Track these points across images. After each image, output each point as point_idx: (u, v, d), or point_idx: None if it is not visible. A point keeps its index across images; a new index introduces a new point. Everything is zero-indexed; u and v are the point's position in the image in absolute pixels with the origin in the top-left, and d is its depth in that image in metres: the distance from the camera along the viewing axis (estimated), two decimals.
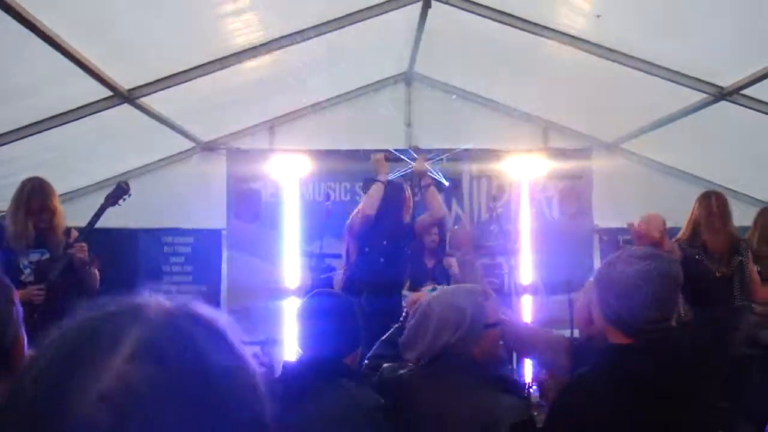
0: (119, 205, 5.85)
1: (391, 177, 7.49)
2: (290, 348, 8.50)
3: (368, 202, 7.14)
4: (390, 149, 8.00)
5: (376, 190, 7.17)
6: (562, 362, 3.43)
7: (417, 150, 8.05)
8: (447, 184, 9.46)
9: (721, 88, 7.42)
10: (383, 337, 4.00)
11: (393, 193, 7.21)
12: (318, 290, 3.96)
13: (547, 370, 3.58)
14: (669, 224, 8.96)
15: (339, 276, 7.80)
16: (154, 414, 0.91)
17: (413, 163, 7.54)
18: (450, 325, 3.27)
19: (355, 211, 7.35)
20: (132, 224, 9.14)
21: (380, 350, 3.90)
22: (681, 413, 2.59)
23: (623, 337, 2.72)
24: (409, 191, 7.40)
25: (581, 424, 2.62)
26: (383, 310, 6.35)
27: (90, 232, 5.73)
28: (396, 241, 7.20)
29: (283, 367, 3.45)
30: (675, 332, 2.79)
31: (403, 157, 7.81)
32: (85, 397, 0.90)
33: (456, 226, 8.06)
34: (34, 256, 5.68)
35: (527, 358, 3.57)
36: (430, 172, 7.55)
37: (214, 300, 9.61)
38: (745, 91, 7.31)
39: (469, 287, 3.57)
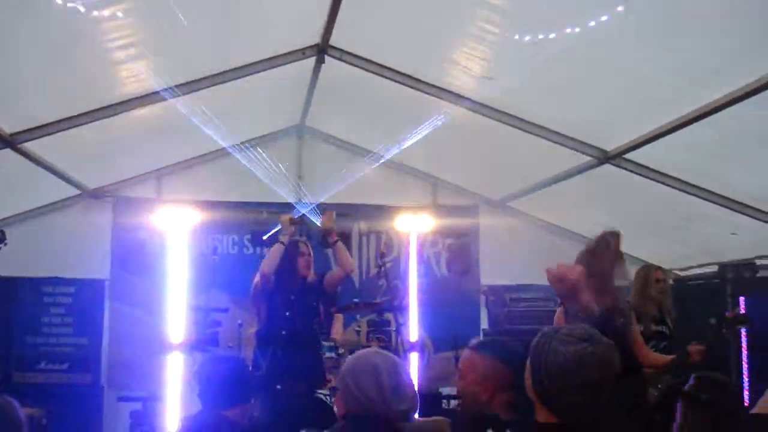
0: None
1: (295, 237, 7.68)
2: (173, 404, 8.29)
3: (266, 263, 7.31)
4: (297, 210, 8.04)
5: (275, 251, 7.34)
6: None
7: (325, 206, 8.12)
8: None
9: (605, 151, 7.64)
10: None
11: (294, 252, 7.32)
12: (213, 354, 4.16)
13: None
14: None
15: (250, 332, 7.82)
16: None
17: (320, 220, 7.62)
18: None
19: (258, 274, 7.38)
20: (10, 273, 8.81)
21: None
22: None
23: (549, 415, 2.65)
24: (309, 248, 7.45)
25: None
26: (295, 361, 6.80)
27: None
28: (303, 296, 7.30)
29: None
30: (604, 416, 2.67)
31: (308, 216, 7.92)
32: None
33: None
34: None
35: None
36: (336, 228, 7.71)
37: (94, 353, 9.32)
38: (628, 155, 7.54)
39: None
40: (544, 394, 2.65)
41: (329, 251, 9.57)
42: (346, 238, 9.72)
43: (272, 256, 7.31)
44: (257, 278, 7.35)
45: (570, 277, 3.21)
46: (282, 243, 7.39)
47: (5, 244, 5.68)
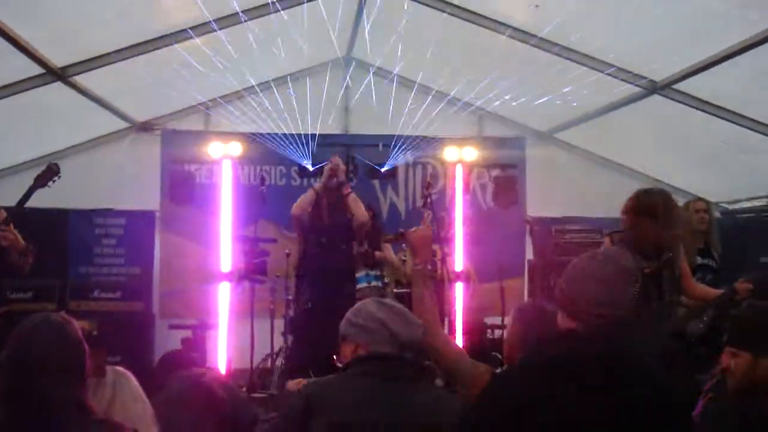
0: (49, 186, 5.71)
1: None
2: (222, 333, 8.45)
3: (295, 205, 7.68)
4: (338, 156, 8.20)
5: (306, 195, 7.72)
6: None
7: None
8: (382, 171, 9.51)
9: (655, 81, 7.55)
10: None
11: (324, 198, 7.70)
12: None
13: None
14: (600, 215, 9.11)
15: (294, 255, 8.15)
16: None
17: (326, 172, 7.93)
18: None
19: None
20: (63, 205, 8.96)
21: None
22: (623, 409, 2.55)
23: (571, 322, 2.70)
24: (325, 198, 7.76)
25: (510, 412, 2.60)
26: (328, 294, 7.11)
27: (18, 214, 5.60)
28: (332, 239, 7.61)
29: None
30: (627, 325, 2.69)
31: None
32: None
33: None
34: None
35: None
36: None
37: (146, 282, 9.51)
38: (677, 86, 7.45)
39: None
40: (565, 299, 2.74)
41: (376, 182, 9.69)
42: (392, 169, 9.78)
43: (302, 199, 7.61)
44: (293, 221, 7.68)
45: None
46: (314, 189, 7.68)
47: (59, 177, 5.76)
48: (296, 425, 3.02)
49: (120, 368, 3.59)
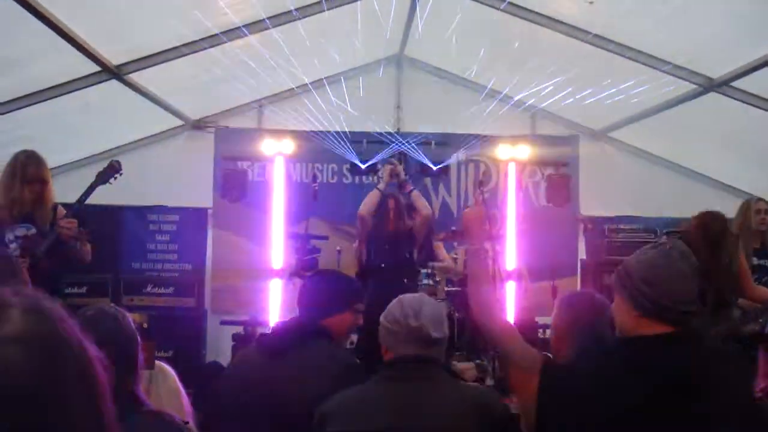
0: (110, 183, 5.78)
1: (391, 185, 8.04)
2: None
3: (363, 205, 7.71)
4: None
5: (372, 195, 7.73)
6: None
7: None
8: (434, 168, 9.49)
9: (711, 79, 7.43)
10: None
11: (384, 206, 7.72)
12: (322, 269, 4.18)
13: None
14: (655, 214, 9.00)
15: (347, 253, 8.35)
16: None
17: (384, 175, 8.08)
18: None
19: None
20: (117, 201, 9.06)
21: None
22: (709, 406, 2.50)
23: (660, 325, 2.66)
24: (399, 201, 7.69)
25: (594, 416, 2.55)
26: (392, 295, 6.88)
27: (79, 210, 5.67)
28: (395, 243, 7.64)
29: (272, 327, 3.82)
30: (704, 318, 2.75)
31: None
32: None
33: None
34: (20, 231, 5.61)
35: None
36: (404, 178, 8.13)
37: (198, 278, 9.59)
38: (735, 83, 7.33)
39: None
40: (645, 304, 2.67)
41: (428, 180, 9.67)
42: (444, 167, 9.75)
43: (369, 200, 7.63)
44: (357, 221, 7.75)
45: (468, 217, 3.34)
46: (379, 189, 7.68)
47: (120, 174, 5.82)
48: None
49: (159, 363, 3.61)
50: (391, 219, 7.66)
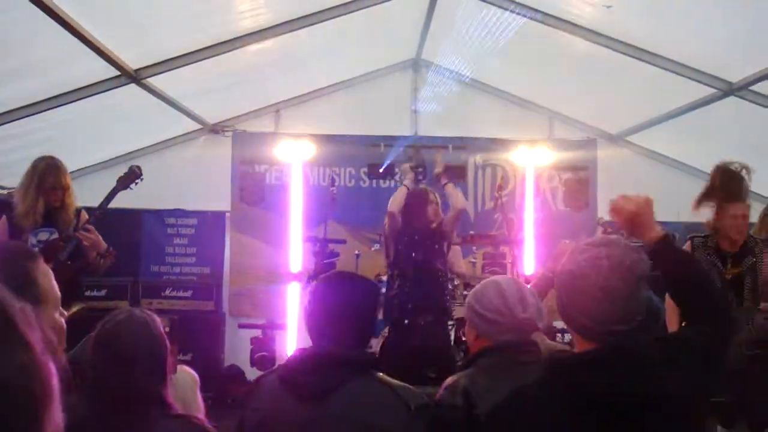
0: (131, 189, 5.81)
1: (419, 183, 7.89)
2: (291, 333, 8.51)
3: (392, 202, 7.47)
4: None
5: (400, 192, 7.52)
6: None
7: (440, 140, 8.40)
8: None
9: (730, 83, 7.40)
10: None
11: (423, 200, 7.48)
12: (336, 272, 3.63)
13: None
14: (673, 218, 8.96)
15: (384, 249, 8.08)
16: None
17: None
18: None
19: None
20: (135, 205, 9.10)
21: None
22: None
23: (585, 342, 2.32)
24: (436, 196, 7.57)
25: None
26: (421, 296, 6.95)
27: (101, 216, 5.70)
28: (427, 238, 7.43)
29: (289, 360, 2.96)
30: (638, 338, 2.26)
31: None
32: None
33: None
34: (43, 235, 5.65)
35: None
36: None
37: (216, 282, 9.62)
38: (754, 87, 7.29)
39: None
40: (562, 312, 2.39)
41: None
42: (461, 171, 9.75)
43: (398, 197, 7.49)
44: (386, 218, 7.55)
45: (628, 207, 2.81)
46: (406, 187, 7.55)
47: (141, 180, 5.85)
48: None
49: (181, 366, 3.62)
50: (431, 213, 7.61)
